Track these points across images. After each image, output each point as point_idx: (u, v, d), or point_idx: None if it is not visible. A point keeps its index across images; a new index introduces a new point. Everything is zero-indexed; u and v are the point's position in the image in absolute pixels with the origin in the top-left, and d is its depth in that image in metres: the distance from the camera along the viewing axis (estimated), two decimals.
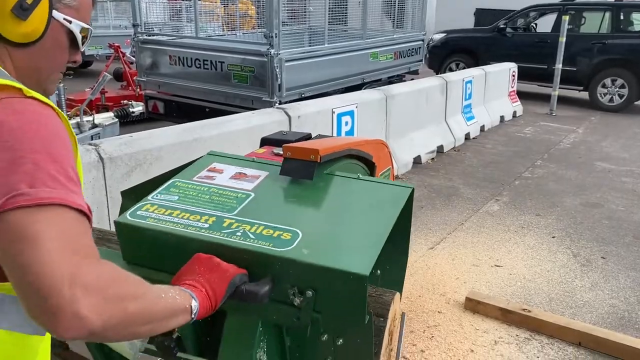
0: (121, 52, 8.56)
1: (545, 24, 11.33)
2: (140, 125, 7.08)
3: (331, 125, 5.00)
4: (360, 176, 1.53)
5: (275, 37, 5.50)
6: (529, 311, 3.24)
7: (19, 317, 0.91)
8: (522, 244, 4.35)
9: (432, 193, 5.49)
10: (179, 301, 0.96)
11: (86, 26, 1.08)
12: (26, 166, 0.80)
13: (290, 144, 1.52)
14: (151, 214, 1.31)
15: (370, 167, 1.96)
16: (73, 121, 4.91)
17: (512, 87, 9.40)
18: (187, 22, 7.59)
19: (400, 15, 8.27)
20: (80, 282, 0.74)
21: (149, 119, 7.14)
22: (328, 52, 6.49)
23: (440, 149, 6.93)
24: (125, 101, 6.53)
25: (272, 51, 5.51)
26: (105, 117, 5.18)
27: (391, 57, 7.73)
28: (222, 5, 8.06)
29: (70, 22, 1.04)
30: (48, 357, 1.02)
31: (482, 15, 17.05)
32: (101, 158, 3.22)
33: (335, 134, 5.04)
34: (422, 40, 8.64)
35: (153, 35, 6.88)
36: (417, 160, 6.41)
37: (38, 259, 0.74)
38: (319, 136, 2.58)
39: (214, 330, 1.34)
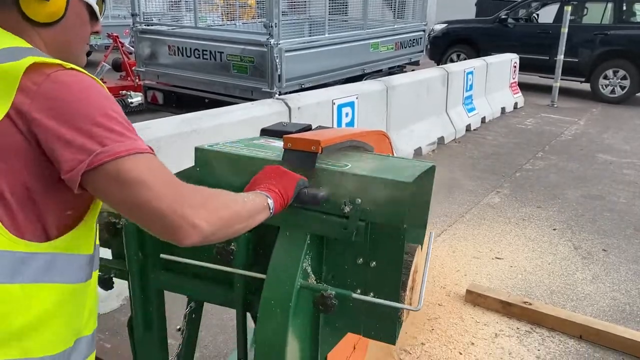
0: (120, 42, 8.49)
1: (547, 15, 11.25)
2: (139, 116, 7.03)
3: (331, 116, 4.96)
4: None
5: (275, 27, 5.45)
6: (530, 304, 3.22)
7: (69, 270, 1.05)
8: (523, 236, 4.33)
9: (434, 185, 5.45)
10: (258, 201, 1.19)
11: None
12: (95, 129, 0.94)
13: (291, 135, 1.49)
14: (224, 147, 1.54)
15: None
16: None
17: (514, 79, 9.35)
18: (187, 11, 7.53)
19: (401, 5, 8.20)
20: (187, 203, 0.97)
21: (148, 110, 7.09)
22: (328, 42, 6.43)
23: (441, 141, 6.89)
24: (124, 92, 6.48)
25: (272, 41, 5.46)
26: None
27: (392, 48, 7.67)
28: None
29: None
30: (95, 298, 1.19)
31: (483, 5, 16.85)
32: None
33: (335, 125, 5.01)
34: (423, 30, 8.57)
35: (152, 25, 6.82)
36: (417, 152, 6.38)
37: (147, 197, 0.94)
38: (319, 127, 2.54)
39: (264, 247, 1.51)
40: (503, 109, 8.75)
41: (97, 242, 1.18)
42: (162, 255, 1.59)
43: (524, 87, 10.04)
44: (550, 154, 6.66)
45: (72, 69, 0.99)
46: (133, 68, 7.41)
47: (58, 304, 1.04)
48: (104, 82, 6.51)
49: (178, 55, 6.37)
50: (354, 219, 1.35)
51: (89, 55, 13.95)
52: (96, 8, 1.15)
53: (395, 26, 7.87)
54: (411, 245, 1.53)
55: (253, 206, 1.17)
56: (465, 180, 5.64)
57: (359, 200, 1.35)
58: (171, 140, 3.55)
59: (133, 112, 7.21)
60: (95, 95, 0.99)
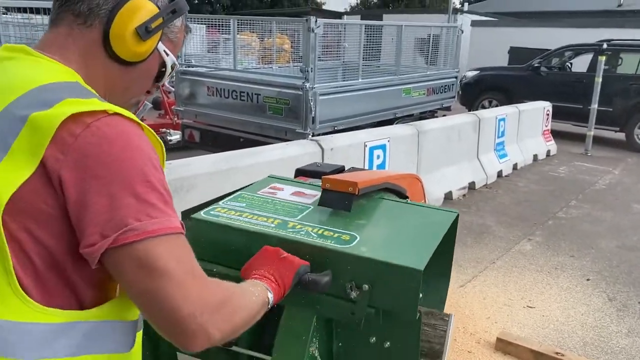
0: None
1: (580, 64, 11.28)
2: (177, 153, 7.23)
3: (363, 158, 5.04)
4: (409, 200, 1.60)
5: (311, 71, 5.62)
6: (562, 355, 3.15)
7: (108, 340, 0.94)
8: (556, 286, 4.26)
9: (464, 230, 5.43)
10: (262, 297, 1.10)
11: (176, 62, 1.14)
12: (128, 199, 0.84)
13: (330, 176, 1.56)
14: (222, 214, 1.45)
15: (403, 199, 1.98)
16: None
17: (547, 126, 9.32)
18: (224, 54, 7.82)
19: (434, 52, 8.35)
20: (207, 308, 0.89)
21: (185, 147, 7.30)
22: (361, 86, 6.58)
23: (472, 186, 6.88)
24: (164, 129, 6.74)
25: (307, 85, 5.63)
26: None
27: (424, 93, 7.79)
28: (259, 39, 8.29)
29: (168, 54, 1.10)
30: None
31: (516, 53, 17.03)
32: None
33: (367, 167, 5.08)
34: (455, 77, 8.69)
35: (192, 67, 7.10)
36: (448, 196, 6.38)
37: (170, 293, 0.85)
38: (352, 169, 2.61)
39: (267, 327, 1.43)
40: (535, 156, 8.71)
41: None
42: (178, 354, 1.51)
43: (557, 135, 9.99)
44: (584, 203, 6.57)
45: (116, 114, 0.89)
46: (172, 107, 7.68)
47: None
48: (143, 120, 6.75)
49: (216, 95, 6.60)
50: (361, 305, 1.27)
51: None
52: (169, 69, 1.12)
53: (428, 72, 8.01)
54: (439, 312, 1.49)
55: (258, 304, 1.08)
56: (497, 226, 5.60)
57: (367, 287, 1.26)
58: (208, 178, 3.66)
59: (171, 150, 7.44)
60: (139, 156, 0.87)
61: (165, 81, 1.16)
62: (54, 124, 0.83)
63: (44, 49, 0.98)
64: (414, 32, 8.31)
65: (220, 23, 7.17)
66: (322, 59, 7.47)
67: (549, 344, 3.39)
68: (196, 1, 37.12)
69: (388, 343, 1.35)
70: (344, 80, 6.93)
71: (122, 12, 0.98)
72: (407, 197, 2.02)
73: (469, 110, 10.65)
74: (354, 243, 1.31)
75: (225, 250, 1.39)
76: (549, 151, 9.15)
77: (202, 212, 1.45)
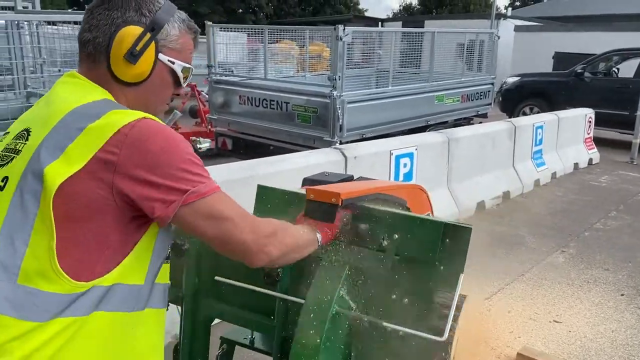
0: (197, 90, 9.02)
1: (627, 69, 10.85)
2: (209, 161, 7.35)
3: (389, 167, 5.00)
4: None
5: (339, 79, 5.62)
6: None
7: (117, 301, 1.12)
8: (586, 300, 4.09)
9: (494, 240, 5.30)
10: (311, 235, 1.39)
11: (188, 66, 1.28)
12: (182, 173, 1.09)
13: (314, 187, 1.55)
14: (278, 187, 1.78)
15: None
16: None
17: (589, 134, 9.00)
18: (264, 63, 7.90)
19: (470, 58, 8.22)
20: (262, 233, 1.20)
21: (218, 155, 7.43)
22: (392, 94, 6.53)
23: (506, 195, 6.71)
24: (194, 137, 6.85)
25: (335, 93, 5.63)
26: None
27: (458, 100, 7.66)
28: (298, 47, 8.35)
29: (173, 62, 1.24)
30: (155, 336, 1.25)
31: (561, 59, 16.54)
32: None
33: (392, 176, 5.03)
34: (492, 83, 8.51)
35: (225, 76, 7.22)
36: (480, 205, 6.24)
37: (232, 229, 1.15)
38: (361, 178, 2.59)
39: (306, 276, 1.60)
40: (576, 164, 8.42)
41: (166, 281, 1.26)
42: (216, 278, 1.74)
43: (600, 142, 9.63)
44: (625, 214, 6.30)
45: (149, 119, 1.12)
46: (207, 115, 7.83)
47: (104, 330, 1.11)
48: (178, 128, 6.92)
49: (247, 104, 6.69)
50: (389, 252, 1.50)
51: (172, 102, 14.94)
52: (180, 75, 1.27)
53: (462, 79, 7.88)
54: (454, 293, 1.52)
55: (308, 238, 1.37)
56: (529, 237, 5.44)
57: (396, 236, 1.49)
58: (230, 185, 3.68)
59: (204, 157, 7.55)
60: (177, 143, 1.12)
61: (185, 84, 1.31)
62: (111, 129, 1.06)
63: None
64: (454, 39, 8.21)
65: (259, 31, 7.24)
66: (356, 67, 7.48)
67: None
68: (240, 10, 37.82)
69: (406, 299, 1.51)
70: (375, 88, 6.90)
71: (114, 44, 1.17)
72: (408, 208, 1.99)
73: (510, 118, 10.41)
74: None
75: (286, 209, 1.64)
76: (590, 159, 8.83)
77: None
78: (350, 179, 2.40)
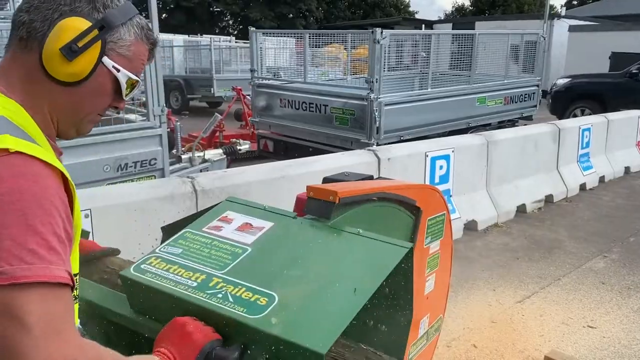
0: (242, 94, 9.28)
1: None
2: (250, 163, 7.56)
3: (424, 169, 5.00)
4: (361, 232, 1.52)
5: (376, 82, 5.68)
6: None
7: None
8: (625, 306, 3.98)
9: (532, 244, 5.22)
10: None
11: (134, 77, 1.08)
12: (4, 242, 0.81)
13: (314, 185, 1.63)
14: (151, 268, 1.42)
15: (414, 210, 1.99)
16: (186, 156, 5.44)
17: None
18: (311, 67, 8.04)
19: (515, 59, 8.08)
20: None
21: (259, 157, 7.62)
22: (431, 96, 6.53)
23: (549, 199, 6.57)
24: (234, 139, 7.09)
25: (372, 95, 5.69)
26: (214, 154, 5.69)
27: (501, 102, 7.55)
28: (345, 51, 8.46)
29: (118, 70, 1.05)
30: None
31: (618, 59, 15.94)
32: (195, 190, 3.55)
33: (427, 179, 5.03)
34: (537, 85, 8.33)
35: (267, 80, 7.41)
36: (521, 209, 6.14)
37: (23, 344, 0.79)
38: (380, 178, 2.65)
39: None
40: (627, 168, 8.12)
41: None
42: None
43: None
44: None
45: (20, 153, 0.88)
46: (249, 118, 8.05)
47: None
48: (223, 130, 7.13)
49: (288, 107, 6.85)
50: None
51: (220, 105, 15.35)
52: (123, 86, 1.07)
53: (505, 81, 7.76)
54: None
55: None
56: (569, 242, 5.32)
57: None
58: (261, 185, 3.84)
59: (246, 159, 7.79)
60: (26, 199, 0.85)
61: (127, 98, 1.11)
62: None
63: None
64: (497, 40, 8.09)
65: (307, 36, 7.36)
66: (397, 69, 7.50)
67: None
68: (290, 15, 38.34)
69: None
70: (416, 90, 6.91)
71: (52, 33, 0.98)
72: (418, 207, 2.04)
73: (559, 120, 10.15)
74: (268, 310, 1.24)
75: (154, 309, 1.37)
76: None
77: (132, 268, 1.43)
78: (369, 178, 2.47)
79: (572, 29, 20.01)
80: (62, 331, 0.83)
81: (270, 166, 4.09)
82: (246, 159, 7.73)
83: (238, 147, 6.13)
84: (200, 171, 5.09)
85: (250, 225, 1.56)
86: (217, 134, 7.93)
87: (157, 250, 1.50)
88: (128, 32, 1.06)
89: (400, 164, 4.72)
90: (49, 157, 0.92)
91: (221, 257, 1.43)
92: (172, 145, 5.26)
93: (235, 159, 6.48)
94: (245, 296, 1.28)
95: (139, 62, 1.10)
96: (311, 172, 4.05)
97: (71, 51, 0.98)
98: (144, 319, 1.38)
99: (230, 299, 1.27)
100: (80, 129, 1.10)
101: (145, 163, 4.31)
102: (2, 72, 1.03)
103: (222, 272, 1.38)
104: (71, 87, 1.02)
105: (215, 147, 6.74)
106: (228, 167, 5.81)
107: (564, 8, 23.02)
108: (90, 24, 1.00)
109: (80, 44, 0.99)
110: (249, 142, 6.94)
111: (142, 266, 1.43)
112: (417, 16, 44.99)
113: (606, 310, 3.93)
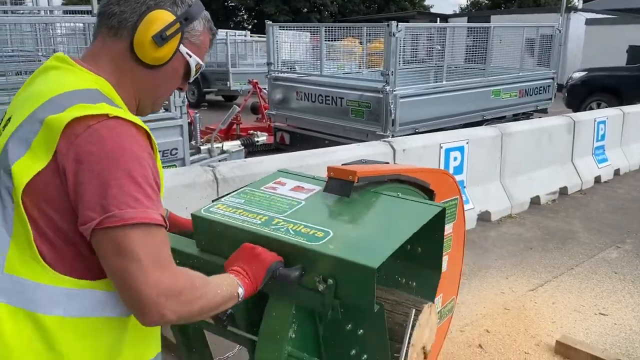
0: (258, 87, 9.40)
1: None
2: (267, 154, 7.68)
3: (438, 160, 5.07)
4: (400, 195, 1.69)
5: (392, 74, 5.76)
6: None
7: (111, 308, 1.13)
8: (637, 295, 4.03)
9: (546, 235, 5.27)
10: (231, 291, 1.24)
11: (201, 62, 1.28)
12: (113, 190, 1.00)
13: (334, 166, 1.73)
14: (219, 210, 1.62)
15: (427, 193, 2.08)
16: (205, 147, 5.58)
17: None
18: (327, 60, 8.14)
19: (530, 52, 8.10)
20: (163, 292, 1.03)
21: (276, 149, 7.74)
22: (446, 89, 6.59)
23: (563, 191, 6.60)
24: (252, 132, 7.22)
25: (388, 88, 5.77)
26: (232, 145, 5.82)
27: (515, 95, 7.58)
28: (361, 45, 8.53)
29: (190, 56, 1.24)
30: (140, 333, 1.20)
31: (636, 52, 15.78)
32: (216, 178, 3.67)
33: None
34: (552, 78, 8.33)
35: (283, 73, 7.52)
36: (535, 201, 6.18)
37: (134, 274, 1.00)
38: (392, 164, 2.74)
39: (262, 310, 1.56)
40: None
41: None
42: None
43: None
44: None
45: (116, 117, 1.05)
46: (266, 111, 8.17)
47: (92, 336, 1.10)
48: (240, 123, 7.27)
49: (304, 100, 6.95)
50: (328, 297, 1.38)
51: (236, 99, 15.50)
52: (193, 69, 1.27)
53: (520, 74, 7.78)
54: (413, 304, 1.59)
55: (224, 296, 1.20)
56: (583, 233, 5.36)
57: (331, 281, 1.37)
58: None
59: (264, 151, 7.91)
60: (127, 155, 1.03)
61: (192, 79, 1.31)
62: (62, 125, 1.02)
63: (84, 59, 1.21)
64: (512, 33, 8.10)
65: (322, 30, 7.44)
66: (413, 62, 7.56)
67: (615, 352, 3.27)
68: (305, 9, 38.37)
69: (361, 330, 1.50)
70: (432, 83, 6.97)
71: (143, 23, 1.16)
72: (431, 190, 2.13)
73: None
74: (325, 240, 1.41)
75: (220, 244, 1.55)
76: None
77: (202, 209, 1.61)
78: (386, 163, 2.57)
79: (589, 22, 19.82)
80: (162, 260, 1.05)
81: (288, 156, 4.19)
82: (263, 151, 7.86)
83: (256, 139, 6.26)
84: (219, 162, 5.23)
85: (302, 187, 1.75)
86: (234, 126, 8.06)
87: (222, 199, 1.70)
88: (199, 24, 1.25)
89: (415, 155, 4.80)
90: (138, 120, 1.10)
91: (280, 206, 1.62)
92: (190, 136, 5.41)
93: (252, 150, 6.60)
94: (304, 231, 1.47)
95: (204, 50, 1.30)
96: (328, 162, 4.14)
97: (161, 39, 1.17)
98: (209, 255, 1.57)
99: (292, 232, 1.47)
100: (155, 107, 1.30)
101: (167, 152, 4.44)
102: (92, 56, 1.20)
103: (282, 215, 1.57)
104: (153, 69, 1.20)
105: (233, 139, 6.87)
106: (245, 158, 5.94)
107: (581, 1, 22.73)
108: (174, 17, 1.19)
109: (168, 33, 1.18)
110: (266, 134, 7.06)
111: (211, 209, 1.63)
112: (432, 10, 44.74)
113: (618, 298, 3.99)
